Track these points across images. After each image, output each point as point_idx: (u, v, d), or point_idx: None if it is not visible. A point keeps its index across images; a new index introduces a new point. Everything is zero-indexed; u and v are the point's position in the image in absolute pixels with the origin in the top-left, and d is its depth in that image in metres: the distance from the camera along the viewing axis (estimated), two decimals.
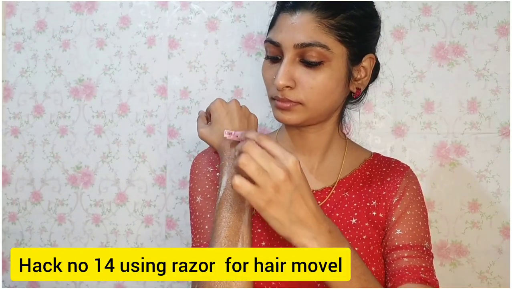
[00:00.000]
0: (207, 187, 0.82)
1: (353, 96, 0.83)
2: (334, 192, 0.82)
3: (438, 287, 0.75)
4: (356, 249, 0.76)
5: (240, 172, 0.61)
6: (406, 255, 0.76)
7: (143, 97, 1.18)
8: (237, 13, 1.15)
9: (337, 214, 0.80)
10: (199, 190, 0.82)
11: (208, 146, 0.87)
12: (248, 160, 0.60)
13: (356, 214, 0.80)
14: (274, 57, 0.76)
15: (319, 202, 0.81)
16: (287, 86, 0.74)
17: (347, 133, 0.89)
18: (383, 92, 1.12)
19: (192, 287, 0.77)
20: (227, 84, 1.16)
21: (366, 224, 0.80)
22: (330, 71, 0.74)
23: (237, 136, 0.71)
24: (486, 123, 1.10)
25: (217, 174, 0.83)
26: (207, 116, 0.86)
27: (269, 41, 0.76)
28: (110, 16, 1.18)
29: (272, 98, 0.77)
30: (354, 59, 0.76)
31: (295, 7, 0.74)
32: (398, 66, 1.11)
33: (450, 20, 1.10)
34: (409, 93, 1.12)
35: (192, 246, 0.81)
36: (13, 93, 1.21)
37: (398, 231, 0.78)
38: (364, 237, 0.78)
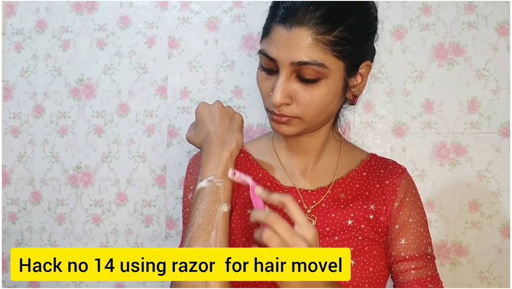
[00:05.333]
0: None
1: (349, 103, 0.82)
2: (329, 192, 0.82)
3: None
4: (351, 249, 0.77)
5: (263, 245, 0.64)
6: (413, 267, 0.79)
7: (143, 97, 1.18)
8: (237, 13, 1.15)
9: (333, 215, 0.80)
10: (191, 187, 0.84)
11: None
12: (271, 236, 0.62)
13: (352, 215, 0.80)
14: (269, 69, 0.75)
15: (314, 202, 0.81)
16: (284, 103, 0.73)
17: (343, 133, 0.89)
18: (383, 92, 1.12)
19: (170, 287, 0.77)
20: (227, 84, 1.16)
21: (363, 225, 0.80)
22: (327, 87, 0.72)
23: (242, 180, 0.70)
24: (486, 123, 1.10)
25: None
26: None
27: (264, 54, 0.74)
28: (110, 16, 1.18)
29: (268, 110, 0.77)
30: (351, 70, 0.75)
31: (290, 20, 0.70)
32: (398, 66, 1.11)
33: (450, 20, 1.10)
34: (409, 93, 1.12)
35: (181, 240, 0.82)
36: (13, 93, 1.21)
37: (403, 240, 0.80)
38: (360, 238, 0.79)
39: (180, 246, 0.82)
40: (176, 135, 1.17)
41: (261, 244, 0.63)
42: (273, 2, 0.76)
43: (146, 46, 1.17)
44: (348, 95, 0.79)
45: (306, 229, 0.63)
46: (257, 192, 0.67)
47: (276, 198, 0.65)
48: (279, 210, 0.81)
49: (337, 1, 0.71)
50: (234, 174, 0.71)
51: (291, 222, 0.64)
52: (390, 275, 0.82)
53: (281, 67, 0.72)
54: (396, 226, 0.81)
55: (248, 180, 0.70)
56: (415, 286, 0.77)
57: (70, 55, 1.19)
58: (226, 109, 0.85)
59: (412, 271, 0.78)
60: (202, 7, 1.16)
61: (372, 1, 0.78)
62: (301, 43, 0.70)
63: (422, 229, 0.81)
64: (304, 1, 0.70)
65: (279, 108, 0.74)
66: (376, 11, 0.78)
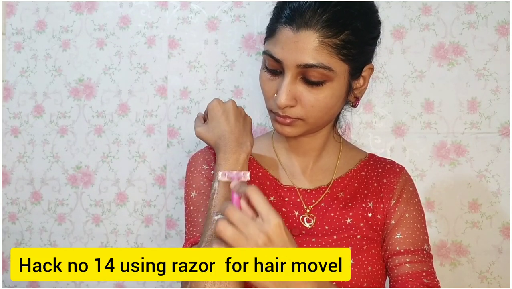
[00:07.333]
0: (202, 183, 0.83)
1: (351, 105, 0.83)
2: (328, 191, 0.82)
3: (439, 288, 0.77)
4: (350, 248, 0.77)
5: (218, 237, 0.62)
6: (408, 260, 0.78)
7: (143, 97, 1.18)
8: (237, 13, 1.15)
9: (332, 214, 0.81)
10: (194, 185, 0.84)
11: (206, 145, 0.88)
12: (224, 227, 0.61)
13: (351, 213, 0.81)
14: (274, 70, 0.75)
15: (313, 201, 0.81)
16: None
17: (343, 134, 0.89)
18: (383, 92, 1.12)
19: (181, 287, 0.77)
20: (227, 84, 1.16)
21: (361, 224, 0.80)
22: (332, 90, 0.73)
23: (231, 178, 0.68)
24: (486, 123, 1.10)
25: (212, 171, 0.84)
26: (205, 117, 0.87)
27: (269, 55, 0.73)
28: (110, 16, 1.18)
29: (271, 111, 0.77)
30: (355, 73, 0.75)
31: (297, 22, 0.70)
32: (398, 66, 1.11)
33: (450, 20, 1.10)
34: (409, 93, 1.12)
35: (185, 238, 0.82)
36: (13, 93, 1.21)
37: (398, 235, 0.79)
38: (358, 236, 0.79)
39: (186, 244, 0.81)
40: (176, 135, 1.17)
41: (218, 237, 0.62)
42: (278, 2, 0.75)
43: (146, 46, 1.17)
44: (350, 98, 0.79)
45: (266, 219, 0.61)
46: (231, 185, 0.66)
47: (242, 190, 0.64)
48: (279, 209, 0.81)
49: (344, 4, 0.71)
50: (225, 174, 0.69)
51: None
52: (386, 271, 0.81)
53: (286, 69, 0.72)
54: (392, 221, 0.81)
55: (234, 175, 0.67)
56: (410, 279, 0.76)
57: (70, 55, 1.19)
58: (239, 110, 0.85)
59: (407, 265, 0.77)
60: (202, 7, 1.16)
61: (375, 4, 0.78)
62: (308, 46, 0.70)
63: (418, 225, 0.81)
64: (311, 2, 0.70)
65: (283, 110, 0.74)
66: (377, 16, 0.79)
